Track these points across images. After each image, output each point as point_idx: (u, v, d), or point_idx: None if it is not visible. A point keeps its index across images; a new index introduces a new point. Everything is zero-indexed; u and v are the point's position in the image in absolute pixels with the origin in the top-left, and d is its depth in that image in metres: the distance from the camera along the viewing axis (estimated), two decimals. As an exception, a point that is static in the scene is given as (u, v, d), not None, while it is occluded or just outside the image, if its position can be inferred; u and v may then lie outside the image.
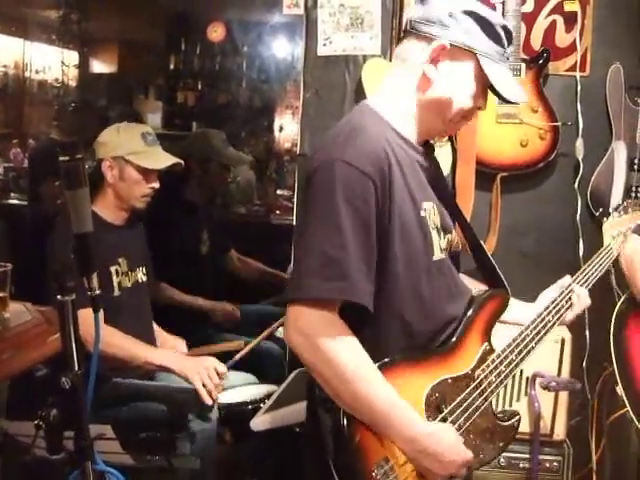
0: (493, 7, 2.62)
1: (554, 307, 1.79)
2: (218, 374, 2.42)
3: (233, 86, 6.57)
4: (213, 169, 3.50)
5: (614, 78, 2.76)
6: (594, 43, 2.80)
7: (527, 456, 2.53)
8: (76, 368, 1.19)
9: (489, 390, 1.62)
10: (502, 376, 1.64)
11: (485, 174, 2.76)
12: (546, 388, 2.54)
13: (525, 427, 2.42)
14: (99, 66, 6.67)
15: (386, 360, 1.49)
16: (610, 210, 2.14)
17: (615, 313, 2.15)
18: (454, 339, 1.61)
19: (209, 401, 2.39)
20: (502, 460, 2.57)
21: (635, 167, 2.72)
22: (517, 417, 1.72)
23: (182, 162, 2.72)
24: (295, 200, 2.99)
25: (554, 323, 1.78)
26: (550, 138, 2.72)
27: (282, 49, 5.75)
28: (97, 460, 1.24)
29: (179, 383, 2.49)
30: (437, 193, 1.66)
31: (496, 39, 1.55)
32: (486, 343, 1.67)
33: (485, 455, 1.66)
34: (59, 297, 1.17)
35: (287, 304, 1.47)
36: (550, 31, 2.79)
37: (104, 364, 2.03)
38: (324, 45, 2.88)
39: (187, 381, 2.40)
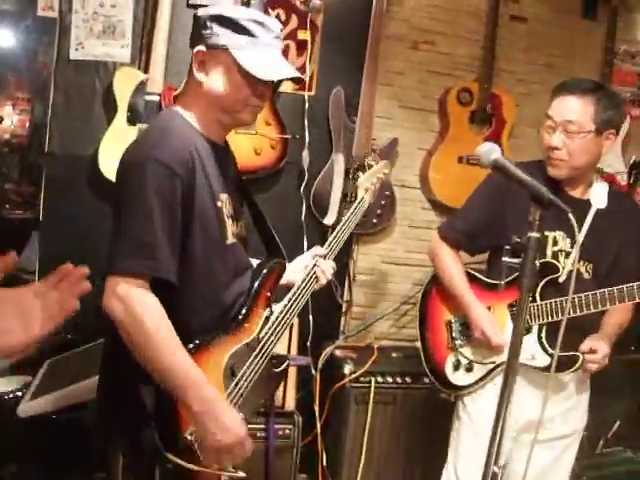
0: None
1: (307, 280, 2.26)
2: None
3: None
4: None
5: (336, 99, 3.52)
6: (320, 68, 3.55)
7: (264, 426, 3.13)
8: None
9: (269, 348, 2.09)
10: (279, 334, 2.12)
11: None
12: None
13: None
14: None
15: (195, 343, 1.88)
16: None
17: (425, 285, 2.88)
18: (244, 311, 2.04)
19: None
20: None
21: (350, 176, 3.45)
22: (286, 362, 2.23)
23: None
24: (42, 195, 3.34)
25: (307, 293, 2.25)
26: (280, 148, 3.41)
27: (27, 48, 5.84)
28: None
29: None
30: (231, 184, 2.09)
31: (244, 31, 1.91)
32: (268, 308, 2.13)
33: (265, 399, 2.21)
34: None
35: (106, 277, 1.83)
36: (284, 54, 3.38)
37: None
38: (76, 50, 3.26)
39: None
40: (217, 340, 1.97)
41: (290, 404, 3.29)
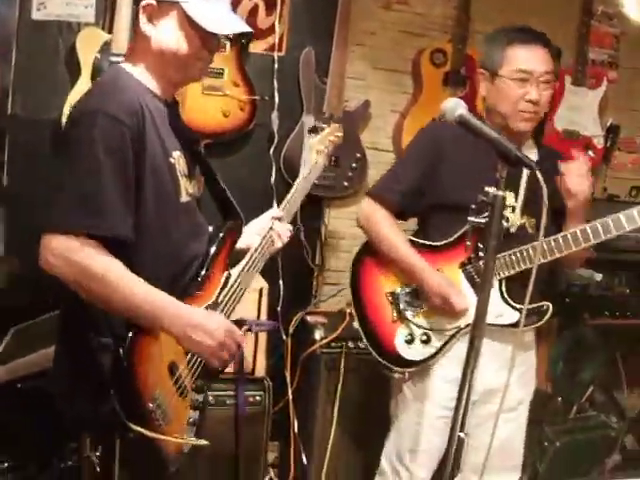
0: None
1: (264, 243, 2.23)
2: None
3: None
4: None
5: (306, 59, 3.49)
6: (291, 27, 3.52)
7: (233, 393, 3.12)
8: None
9: (228, 311, 2.07)
10: (238, 298, 2.11)
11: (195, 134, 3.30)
12: (249, 330, 3.20)
13: (229, 367, 2.97)
14: None
15: None
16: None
17: (354, 258, 2.73)
18: (202, 273, 2.01)
19: None
20: (211, 398, 3.17)
21: (321, 138, 3.47)
22: (245, 326, 2.20)
23: None
24: (6, 159, 3.26)
25: (264, 256, 2.23)
26: (249, 110, 3.38)
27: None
28: None
29: None
30: (183, 142, 2.03)
31: None
32: (227, 272, 2.10)
33: (223, 366, 2.13)
34: None
35: (42, 234, 1.75)
36: (253, 13, 3.43)
37: None
38: (38, 10, 3.19)
39: None
40: None
41: (260, 370, 3.27)
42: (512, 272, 2.46)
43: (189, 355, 1.97)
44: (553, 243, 2.39)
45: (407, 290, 2.62)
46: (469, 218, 2.39)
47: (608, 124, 4.03)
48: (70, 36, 3.22)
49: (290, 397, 3.44)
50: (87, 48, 3.13)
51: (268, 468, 3.49)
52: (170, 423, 1.90)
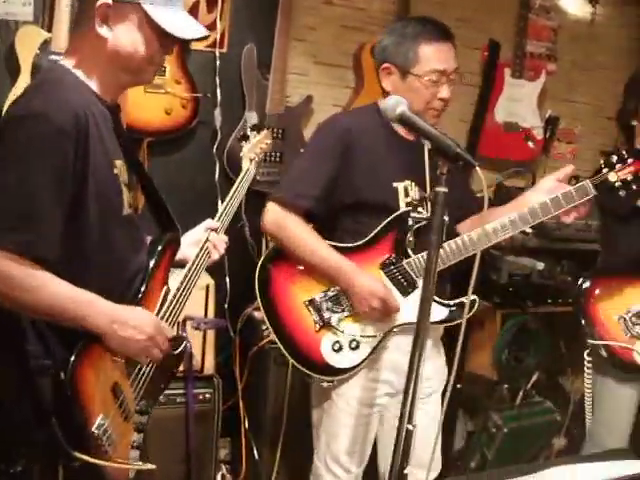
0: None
1: (201, 255, 2.17)
2: None
3: None
4: None
5: (248, 56, 3.51)
6: (232, 24, 3.52)
7: (182, 391, 3.12)
8: None
9: (170, 326, 1.98)
10: (177, 313, 2.03)
11: (135, 140, 3.25)
12: (197, 328, 3.18)
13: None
14: None
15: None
16: (249, 134, 2.54)
17: (259, 267, 2.54)
18: (142, 289, 1.92)
19: None
20: (161, 397, 3.19)
21: (263, 134, 3.48)
22: (184, 343, 2.14)
23: None
24: None
25: (201, 268, 2.17)
26: (191, 107, 3.39)
27: None
28: None
29: None
30: (124, 150, 1.92)
31: None
32: (166, 286, 2.04)
33: (164, 384, 2.14)
34: None
35: None
36: (194, 10, 3.41)
37: None
38: None
39: None
40: None
41: (209, 368, 3.28)
42: (442, 266, 2.40)
43: (133, 375, 1.92)
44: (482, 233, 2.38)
45: (328, 295, 2.50)
46: (411, 214, 2.43)
47: (547, 115, 4.14)
48: (8, 35, 3.17)
49: (240, 393, 3.47)
50: (26, 47, 3.10)
51: (220, 464, 3.51)
52: (116, 448, 1.82)
